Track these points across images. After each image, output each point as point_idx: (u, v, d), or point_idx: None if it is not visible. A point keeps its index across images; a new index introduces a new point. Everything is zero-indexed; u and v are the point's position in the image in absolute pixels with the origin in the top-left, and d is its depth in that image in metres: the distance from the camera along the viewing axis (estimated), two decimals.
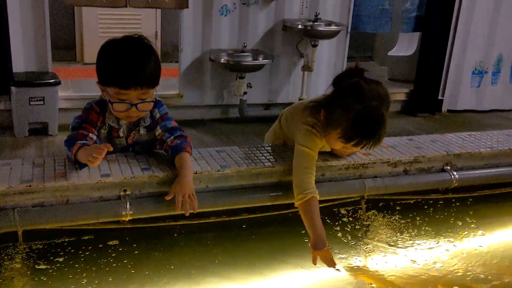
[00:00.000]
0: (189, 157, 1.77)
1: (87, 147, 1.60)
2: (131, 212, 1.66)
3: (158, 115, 1.86)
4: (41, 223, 1.60)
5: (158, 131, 1.85)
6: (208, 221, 1.84)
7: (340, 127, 1.73)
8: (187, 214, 1.66)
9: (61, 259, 1.61)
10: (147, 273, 1.61)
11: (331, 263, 1.65)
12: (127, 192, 1.69)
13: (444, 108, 5.74)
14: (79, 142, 1.64)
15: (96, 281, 1.55)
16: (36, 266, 1.58)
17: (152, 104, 1.78)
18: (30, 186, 1.59)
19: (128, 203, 1.66)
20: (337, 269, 1.69)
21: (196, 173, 1.78)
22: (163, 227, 1.79)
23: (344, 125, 1.72)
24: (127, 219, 1.67)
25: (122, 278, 1.57)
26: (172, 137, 1.81)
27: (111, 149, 1.60)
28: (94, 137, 1.74)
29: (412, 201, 2.12)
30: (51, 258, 1.61)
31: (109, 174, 1.68)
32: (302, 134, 1.85)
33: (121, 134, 1.84)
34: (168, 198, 1.66)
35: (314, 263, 1.66)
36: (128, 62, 1.66)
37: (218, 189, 1.83)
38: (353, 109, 1.70)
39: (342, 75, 1.85)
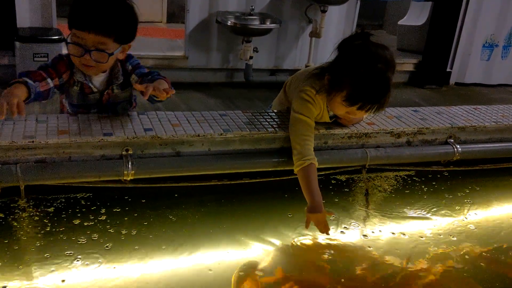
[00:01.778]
0: (164, 81, 1.76)
1: (16, 88, 1.54)
2: (133, 171, 1.67)
3: (130, 67, 1.86)
4: (43, 179, 1.61)
5: (134, 78, 1.84)
6: (209, 184, 1.85)
7: (345, 90, 1.72)
8: (163, 98, 1.66)
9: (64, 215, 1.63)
10: (149, 236, 1.63)
11: (324, 228, 1.67)
12: (129, 152, 1.70)
13: (452, 80, 5.68)
14: (23, 78, 1.60)
15: (101, 240, 1.57)
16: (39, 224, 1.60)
17: (106, 56, 1.70)
18: (32, 142, 1.59)
19: (130, 163, 1.66)
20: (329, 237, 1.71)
21: (198, 135, 1.78)
22: (164, 188, 1.80)
23: (348, 88, 1.71)
24: (128, 178, 1.68)
25: (122, 240, 1.59)
26: (150, 76, 1.79)
27: (22, 114, 1.47)
28: (51, 84, 1.70)
29: (413, 172, 2.12)
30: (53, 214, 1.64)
31: (112, 133, 1.68)
32: (298, 102, 1.84)
33: (94, 89, 1.83)
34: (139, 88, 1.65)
35: (307, 226, 1.67)
36: (92, 4, 1.64)
37: (220, 153, 1.83)
38: (358, 72, 1.68)
39: (347, 39, 1.81)
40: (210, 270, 1.51)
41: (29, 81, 1.60)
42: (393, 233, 1.78)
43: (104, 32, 1.67)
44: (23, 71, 1.68)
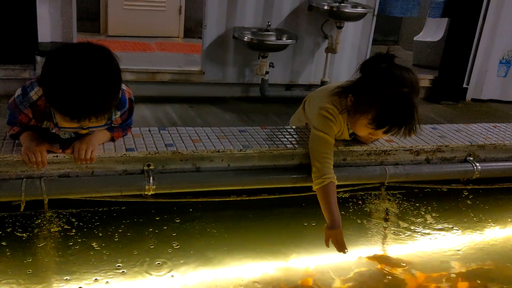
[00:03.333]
0: (109, 136, 1.72)
1: (32, 137, 1.56)
2: (154, 186, 1.69)
3: (117, 116, 1.68)
4: (66, 193, 1.64)
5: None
6: (228, 199, 1.87)
7: (371, 113, 1.72)
8: (81, 162, 1.61)
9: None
10: (169, 250, 1.64)
11: (341, 247, 1.67)
12: (151, 167, 1.72)
13: (468, 96, 5.64)
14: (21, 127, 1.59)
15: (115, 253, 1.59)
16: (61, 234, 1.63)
17: (103, 123, 1.57)
18: (57, 156, 1.62)
19: (151, 178, 1.69)
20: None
21: (218, 151, 1.80)
22: (184, 203, 1.82)
23: (374, 111, 1.71)
24: (149, 193, 1.70)
25: (143, 251, 1.61)
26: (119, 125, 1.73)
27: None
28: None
29: (431, 190, 2.12)
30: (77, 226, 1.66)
31: (134, 149, 1.71)
32: (319, 119, 1.84)
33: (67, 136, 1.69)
34: (67, 152, 1.61)
35: (327, 244, 1.68)
36: (74, 96, 1.40)
37: (240, 169, 1.85)
38: (384, 95, 1.69)
39: (372, 60, 1.81)
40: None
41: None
42: (409, 251, 1.78)
43: (99, 115, 1.47)
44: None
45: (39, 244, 1.58)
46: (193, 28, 6.50)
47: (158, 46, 5.82)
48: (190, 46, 5.95)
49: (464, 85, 5.55)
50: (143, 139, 1.79)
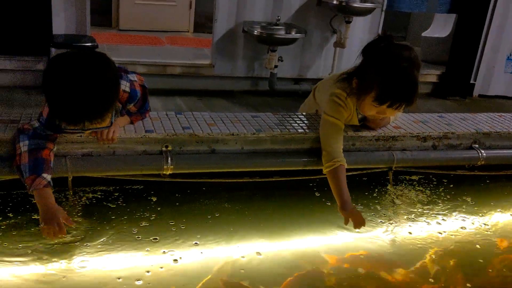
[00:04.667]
0: (129, 120, 1.80)
1: (47, 199, 1.53)
2: (172, 166, 1.77)
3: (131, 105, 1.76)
4: (89, 171, 1.73)
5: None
6: (241, 180, 1.95)
7: (373, 90, 1.79)
8: (103, 141, 1.69)
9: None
10: (182, 227, 1.73)
11: (358, 224, 1.75)
12: (169, 148, 1.80)
13: (476, 92, 5.68)
14: (40, 177, 1.55)
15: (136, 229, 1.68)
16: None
17: (107, 124, 1.65)
18: (80, 136, 1.71)
19: (169, 158, 1.77)
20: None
21: (233, 134, 1.88)
22: (199, 183, 1.90)
23: (376, 88, 1.78)
24: (167, 173, 1.78)
25: (162, 228, 1.70)
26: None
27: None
28: (54, 150, 1.65)
29: (437, 176, 2.18)
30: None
31: (153, 130, 1.79)
32: (329, 105, 1.92)
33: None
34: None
35: (346, 223, 1.76)
36: (68, 103, 1.45)
37: (253, 151, 1.92)
38: (384, 72, 1.76)
39: (371, 43, 1.89)
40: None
41: (47, 177, 1.57)
42: (410, 233, 1.85)
43: (92, 120, 1.51)
44: (30, 161, 1.56)
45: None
46: (202, 22, 6.58)
47: (169, 40, 5.90)
48: (200, 41, 6.04)
49: (472, 81, 5.60)
50: (161, 122, 1.87)
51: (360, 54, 1.90)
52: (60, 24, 4.43)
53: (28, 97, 4.23)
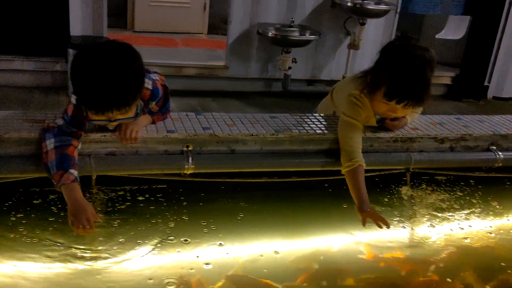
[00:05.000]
0: (151, 119, 1.83)
1: (75, 192, 1.56)
2: (193, 166, 1.81)
3: (153, 104, 1.80)
4: (112, 170, 1.77)
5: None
6: (259, 180, 1.98)
7: (383, 86, 1.82)
8: (126, 141, 1.73)
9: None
10: (203, 223, 1.77)
11: (383, 221, 1.70)
12: (190, 148, 1.84)
13: (490, 94, 5.66)
14: (67, 172, 1.58)
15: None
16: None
17: (132, 115, 1.68)
18: (104, 136, 1.75)
19: (190, 158, 1.80)
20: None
21: (252, 135, 1.91)
22: (219, 183, 1.93)
23: (386, 84, 1.81)
24: (188, 172, 1.82)
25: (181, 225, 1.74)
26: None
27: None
28: (78, 147, 1.68)
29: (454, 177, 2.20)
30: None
31: (174, 131, 1.83)
32: (347, 105, 1.94)
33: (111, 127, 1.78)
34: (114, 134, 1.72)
35: (364, 224, 1.75)
36: (97, 91, 1.49)
37: (271, 152, 1.95)
38: (395, 68, 1.79)
39: (389, 43, 1.94)
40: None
41: (74, 172, 1.59)
42: (428, 233, 1.86)
43: (120, 108, 1.55)
44: (56, 158, 1.59)
45: None
46: (216, 24, 6.62)
47: (183, 41, 5.96)
48: (214, 42, 6.08)
49: (486, 83, 5.57)
50: (182, 122, 1.91)
51: (379, 52, 1.93)
52: (78, 26, 4.49)
53: (46, 98, 4.30)
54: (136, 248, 1.61)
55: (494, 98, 5.67)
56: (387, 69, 1.81)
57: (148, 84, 1.70)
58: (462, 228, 1.92)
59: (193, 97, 4.73)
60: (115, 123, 1.72)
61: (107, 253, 1.57)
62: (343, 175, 1.88)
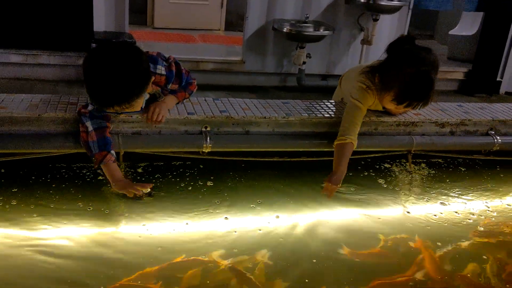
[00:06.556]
0: (175, 98, 1.99)
1: (118, 171, 1.83)
2: (210, 145, 1.98)
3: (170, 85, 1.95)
4: (138, 147, 1.95)
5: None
6: (272, 160, 2.14)
7: (393, 90, 1.95)
8: (152, 123, 1.90)
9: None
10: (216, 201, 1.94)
11: (328, 193, 1.91)
12: (208, 129, 2.01)
13: (502, 90, 5.72)
14: (109, 153, 1.80)
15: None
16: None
17: (138, 108, 1.82)
18: (131, 116, 1.93)
19: (208, 138, 1.98)
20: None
21: (265, 117, 2.07)
22: (234, 161, 2.10)
23: (396, 88, 1.94)
24: (206, 151, 1.99)
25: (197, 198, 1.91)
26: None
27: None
28: (111, 128, 1.89)
29: (454, 159, 2.33)
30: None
31: (194, 113, 2.01)
32: (357, 90, 2.08)
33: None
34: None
35: (323, 192, 1.92)
36: (101, 88, 1.68)
37: (283, 134, 2.11)
38: (405, 74, 1.92)
39: (396, 43, 2.05)
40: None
41: (114, 154, 1.83)
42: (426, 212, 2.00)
43: (120, 104, 1.71)
44: (98, 139, 1.81)
45: None
46: (233, 21, 6.80)
47: (201, 38, 6.14)
48: (231, 38, 6.26)
49: (498, 78, 5.64)
50: (201, 106, 2.09)
51: (385, 52, 2.06)
52: (101, 22, 4.70)
53: (70, 90, 4.51)
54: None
55: (507, 93, 5.72)
56: (397, 74, 1.92)
57: (161, 70, 1.87)
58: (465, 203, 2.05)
59: (211, 91, 4.91)
60: (122, 115, 1.90)
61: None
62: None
